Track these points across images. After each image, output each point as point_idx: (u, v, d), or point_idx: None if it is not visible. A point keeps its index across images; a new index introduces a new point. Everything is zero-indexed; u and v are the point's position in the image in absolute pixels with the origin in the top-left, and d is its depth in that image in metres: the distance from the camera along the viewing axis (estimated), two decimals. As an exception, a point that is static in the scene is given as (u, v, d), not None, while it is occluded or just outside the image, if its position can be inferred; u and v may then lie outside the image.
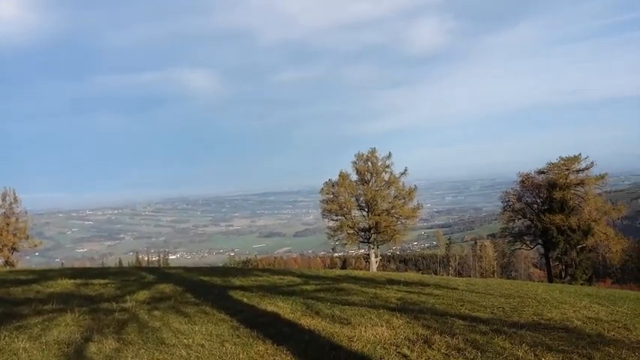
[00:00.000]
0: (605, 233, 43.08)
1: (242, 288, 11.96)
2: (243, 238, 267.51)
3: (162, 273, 16.49)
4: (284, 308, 8.96)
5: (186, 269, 19.02)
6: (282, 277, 15.32)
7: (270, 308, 8.95)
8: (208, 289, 11.80)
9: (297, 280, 14.63)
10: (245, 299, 10.07)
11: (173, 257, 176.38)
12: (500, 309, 9.75)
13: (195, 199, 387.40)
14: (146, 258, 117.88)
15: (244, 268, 30.18)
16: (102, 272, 16.77)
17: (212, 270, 20.16)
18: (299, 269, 28.93)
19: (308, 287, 12.69)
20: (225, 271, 20.04)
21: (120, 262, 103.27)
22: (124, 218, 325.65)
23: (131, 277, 14.53)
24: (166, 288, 11.63)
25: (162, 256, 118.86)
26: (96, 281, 12.82)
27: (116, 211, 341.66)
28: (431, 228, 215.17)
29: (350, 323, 7.75)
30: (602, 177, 44.11)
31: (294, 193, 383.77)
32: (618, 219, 50.08)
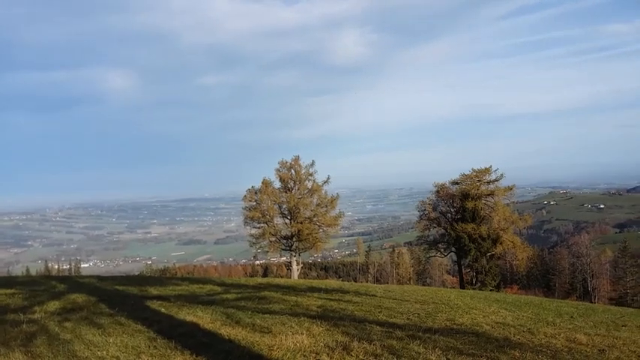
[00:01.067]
0: (512, 242, 45.50)
1: (160, 297, 11.68)
2: (161, 246, 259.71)
3: (73, 282, 15.76)
4: (203, 318, 8.84)
5: (100, 278, 18.33)
6: (201, 285, 15.11)
7: (189, 318, 8.80)
8: (124, 298, 11.43)
9: (218, 288, 14.47)
10: (163, 309, 9.84)
11: (85, 265, 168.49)
12: (416, 315, 10.17)
13: (111, 204, 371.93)
14: (56, 266, 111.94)
15: (162, 277, 29.34)
16: (8, 281, 15.88)
17: (128, 279, 19.52)
18: (219, 278, 28.51)
19: (229, 296, 12.59)
20: (141, 280, 19.46)
21: (27, 270, 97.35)
22: (33, 224, 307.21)
23: (40, 286, 13.82)
24: (78, 298, 11.16)
25: (73, 264, 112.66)
26: (1, 291, 12.14)
27: (24, 217, 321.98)
28: (351, 236, 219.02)
29: (271, 332, 7.79)
30: (510, 188, 46.68)
31: (216, 199, 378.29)
32: (524, 228, 53.17)
